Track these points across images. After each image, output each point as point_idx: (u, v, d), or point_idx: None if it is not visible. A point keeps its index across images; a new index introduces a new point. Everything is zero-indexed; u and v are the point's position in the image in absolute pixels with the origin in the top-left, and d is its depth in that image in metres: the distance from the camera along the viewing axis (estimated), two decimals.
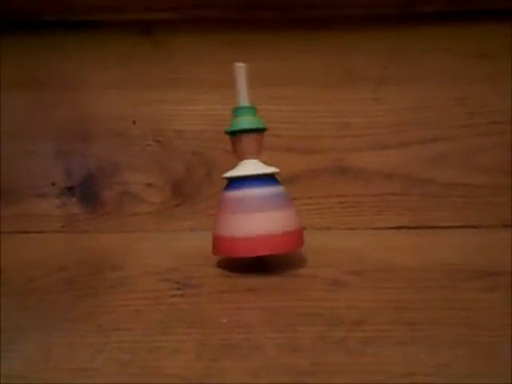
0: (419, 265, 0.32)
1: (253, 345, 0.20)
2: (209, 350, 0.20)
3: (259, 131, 0.31)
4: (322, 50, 0.44)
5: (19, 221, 0.45)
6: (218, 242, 0.31)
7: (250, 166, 0.31)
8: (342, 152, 0.44)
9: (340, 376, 0.18)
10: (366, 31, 0.43)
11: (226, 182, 0.32)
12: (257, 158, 0.32)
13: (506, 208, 0.43)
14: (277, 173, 0.32)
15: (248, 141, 0.31)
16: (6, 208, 0.45)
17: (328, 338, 0.21)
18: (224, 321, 0.23)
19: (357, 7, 0.42)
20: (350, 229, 0.44)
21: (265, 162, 0.32)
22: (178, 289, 0.28)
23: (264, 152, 0.32)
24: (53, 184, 0.45)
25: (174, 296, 0.27)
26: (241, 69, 0.32)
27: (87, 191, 0.45)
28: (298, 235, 0.31)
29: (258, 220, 0.29)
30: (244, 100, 0.31)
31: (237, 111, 0.32)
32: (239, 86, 0.32)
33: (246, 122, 0.31)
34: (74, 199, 0.45)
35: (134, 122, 0.44)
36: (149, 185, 0.45)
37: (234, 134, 0.31)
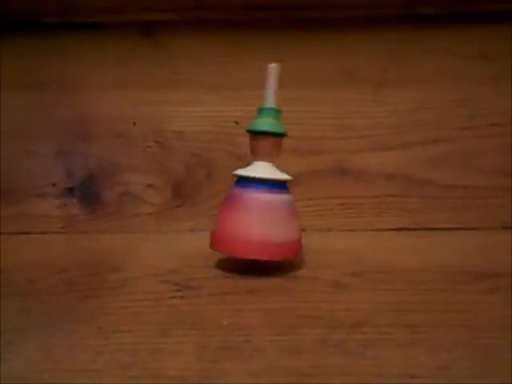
0: (419, 266, 0.32)
1: (253, 347, 0.20)
2: (209, 351, 0.20)
3: (277, 135, 0.31)
4: (323, 51, 0.44)
5: (19, 221, 0.45)
6: (218, 238, 0.31)
7: (262, 169, 0.31)
8: (342, 153, 0.44)
9: (340, 378, 0.18)
10: (367, 32, 0.43)
11: (234, 178, 0.32)
12: (271, 161, 0.32)
13: (505, 210, 0.43)
14: (288, 180, 0.32)
15: (263, 143, 0.31)
16: (6, 208, 0.45)
17: (328, 340, 0.21)
18: (225, 323, 0.23)
19: (357, 8, 0.42)
20: (350, 230, 0.44)
21: (277, 167, 0.32)
22: (179, 290, 0.28)
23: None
24: (53, 185, 0.45)
25: (174, 297, 0.27)
26: (273, 69, 0.31)
27: (87, 192, 0.45)
28: (296, 246, 0.31)
29: (259, 224, 0.29)
30: (271, 101, 0.31)
31: (260, 112, 0.31)
32: (269, 86, 0.31)
33: (265, 123, 0.31)
34: (74, 200, 0.45)
35: (135, 123, 0.44)
36: (149, 186, 0.45)
37: (253, 134, 0.31)
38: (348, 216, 0.44)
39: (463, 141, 0.43)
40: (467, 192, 0.44)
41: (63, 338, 0.21)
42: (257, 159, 0.32)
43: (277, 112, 0.31)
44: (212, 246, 0.31)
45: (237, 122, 0.43)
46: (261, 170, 0.31)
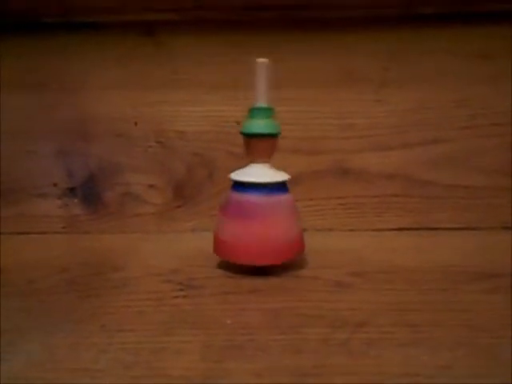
0: (420, 266, 0.32)
1: (257, 346, 0.20)
2: (213, 351, 0.20)
3: (272, 136, 0.31)
4: (323, 51, 0.44)
5: (20, 221, 0.45)
6: (219, 244, 0.31)
7: (258, 171, 0.31)
8: (343, 153, 0.44)
9: (343, 377, 0.18)
10: (367, 32, 0.43)
11: (231, 182, 0.32)
12: (267, 162, 0.31)
13: (506, 210, 0.43)
14: (287, 180, 0.32)
15: (261, 145, 0.31)
16: (7, 208, 0.45)
17: (331, 339, 0.21)
18: (228, 322, 0.23)
19: (357, 8, 0.42)
20: (352, 230, 0.44)
21: (277, 167, 0.32)
22: (181, 290, 0.28)
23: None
24: (54, 185, 0.45)
25: (176, 297, 0.27)
26: (262, 65, 0.30)
27: (89, 192, 0.45)
28: (297, 246, 0.31)
29: (259, 230, 0.29)
30: (262, 100, 0.30)
31: (252, 112, 0.31)
32: (258, 84, 0.30)
33: (260, 125, 0.30)
34: (75, 200, 0.45)
35: (136, 123, 0.44)
36: (150, 186, 0.45)
37: (248, 136, 0.31)
38: (349, 216, 0.44)
39: (464, 141, 0.44)
40: (468, 192, 0.44)
41: (65, 338, 0.21)
42: (253, 161, 0.31)
43: (269, 111, 0.31)
44: (216, 252, 0.31)
45: (238, 122, 0.43)
46: (258, 173, 0.31)
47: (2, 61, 0.44)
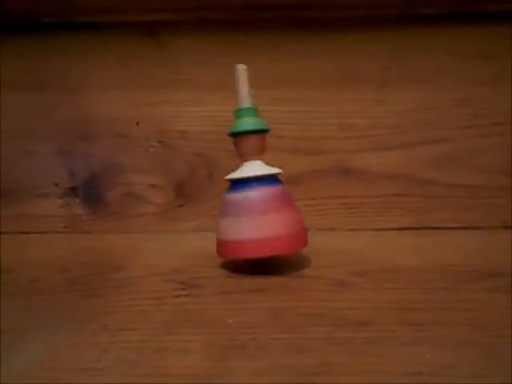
0: (422, 266, 0.32)
1: (259, 345, 0.20)
2: (215, 350, 0.20)
3: (261, 132, 0.31)
4: (323, 51, 0.44)
5: (22, 221, 0.45)
6: (222, 246, 0.31)
7: (252, 168, 0.31)
8: (344, 153, 0.44)
9: (346, 376, 0.18)
10: (367, 32, 0.44)
11: (228, 183, 0.32)
12: (260, 159, 0.32)
13: (506, 209, 0.43)
14: (279, 173, 0.32)
15: (250, 142, 0.31)
16: (8, 208, 0.45)
17: (333, 338, 0.21)
18: (230, 321, 0.23)
19: (357, 8, 0.42)
20: (353, 230, 0.44)
21: (268, 163, 0.32)
22: (183, 289, 0.28)
23: (266, 153, 0.32)
24: (56, 184, 0.45)
25: (178, 296, 0.27)
26: (241, 70, 0.31)
27: (90, 192, 0.45)
28: (300, 236, 0.31)
29: (260, 222, 0.29)
30: (245, 101, 0.31)
31: (238, 113, 0.31)
32: (240, 87, 0.31)
33: (246, 123, 0.31)
34: (77, 200, 0.45)
35: (138, 123, 0.45)
36: (152, 186, 0.45)
37: (236, 136, 0.31)
38: (351, 216, 0.44)
39: (464, 140, 0.44)
40: (469, 191, 0.44)
41: (67, 337, 0.21)
42: (245, 160, 0.32)
43: (253, 110, 0.31)
44: (219, 253, 0.32)
45: None
46: (250, 169, 0.31)
47: (2, 61, 0.44)
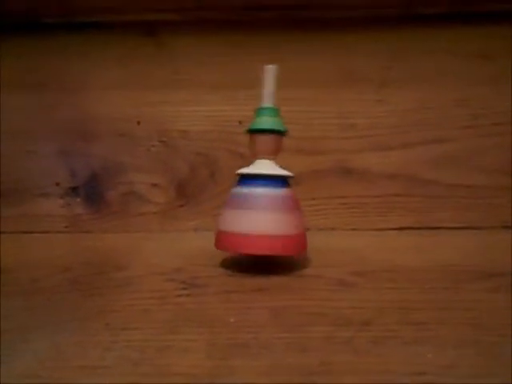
0: (422, 265, 0.32)
1: (261, 344, 0.20)
2: (217, 349, 0.20)
3: (276, 133, 0.31)
4: (323, 51, 0.44)
5: (23, 221, 0.45)
6: (221, 237, 0.31)
7: (263, 166, 0.31)
8: (344, 153, 0.44)
9: (348, 376, 0.18)
10: (367, 32, 0.44)
11: (236, 178, 0.32)
12: (272, 159, 0.32)
13: (506, 209, 0.44)
14: (290, 177, 0.32)
15: (263, 141, 0.31)
16: (9, 208, 0.45)
17: (335, 338, 0.21)
18: (232, 320, 0.23)
19: (357, 8, 0.42)
20: (354, 230, 0.44)
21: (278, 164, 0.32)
22: (185, 288, 0.28)
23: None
24: (57, 184, 0.45)
25: (180, 296, 0.27)
26: (271, 70, 0.31)
27: (91, 191, 0.45)
28: (298, 240, 0.31)
29: (260, 219, 0.30)
30: (269, 101, 0.31)
31: (259, 111, 0.32)
32: (266, 86, 0.31)
33: (265, 122, 0.31)
34: (78, 199, 0.45)
35: (139, 123, 0.45)
36: (153, 185, 0.45)
37: (253, 133, 0.31)
38: (351, 215, 0.44)
39: (464, 140, 0.44)
40: (470, 191, 0.44)
41: (69, 336, 0.21)
42: (258, 157, 0.32)
43: (276, 111, 0.32)
44: (216, 245, 0.32)
45: (240, 122, 0.43)
46: (262, 166, 0.31)
47: (2, 61, 0.44)
